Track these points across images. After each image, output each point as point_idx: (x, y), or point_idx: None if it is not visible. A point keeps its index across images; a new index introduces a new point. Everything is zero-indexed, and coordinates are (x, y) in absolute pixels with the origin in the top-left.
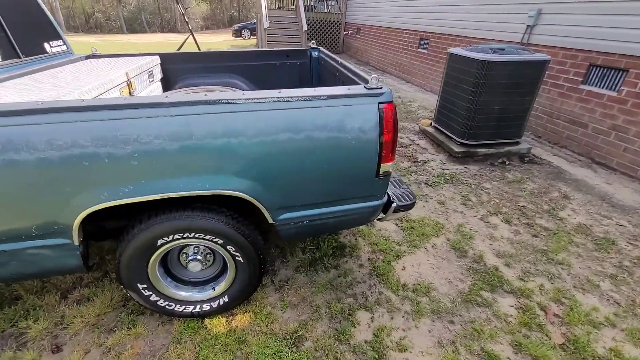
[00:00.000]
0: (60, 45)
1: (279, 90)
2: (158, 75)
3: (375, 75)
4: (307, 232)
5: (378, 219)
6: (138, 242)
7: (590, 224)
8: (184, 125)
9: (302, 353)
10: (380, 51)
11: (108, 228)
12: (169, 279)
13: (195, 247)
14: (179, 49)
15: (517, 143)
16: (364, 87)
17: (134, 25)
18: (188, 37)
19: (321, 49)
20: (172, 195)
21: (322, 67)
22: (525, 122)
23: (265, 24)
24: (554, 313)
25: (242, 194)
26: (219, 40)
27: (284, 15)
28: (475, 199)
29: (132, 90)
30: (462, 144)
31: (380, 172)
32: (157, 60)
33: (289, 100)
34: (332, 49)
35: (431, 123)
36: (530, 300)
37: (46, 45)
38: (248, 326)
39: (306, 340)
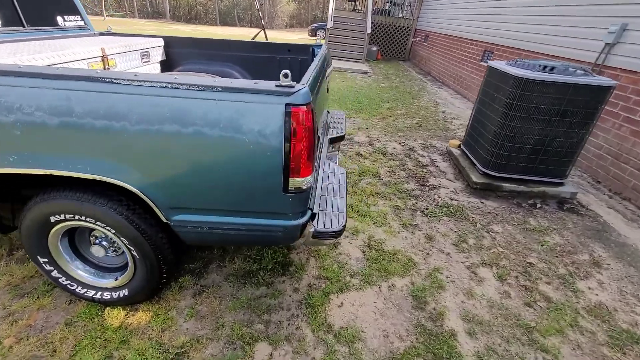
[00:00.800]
0: (77, 20)
1: (174, 75)
2: (158, 57)
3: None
4: (210, 239)
5: (306, 243)
6: (33, 215)
7: (615, 306)
8: (65, 99)
9: None
10: (443, 61)
11: (24, 196)
12: (75, 259)
13: (102, 232)
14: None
15: (560, 184)
16: (274, 83)
17: (226, 19)
18: (260, 32)
19: (326, 47)
20: (54, 172)
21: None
22: (574, 159)
23: (329, 24)
24: None
25: (124, 184)
26: (294, 38)
27: (352, 17)
28: (474, 242)
29: (106, 66)
30: (484, 174)
31: (290, 188)
32: (158, 42)
33: (177, 88)
34: (397, 55)
35: (460, 145)
36: None
37: (59, 18)
38: (141, 327)
39: None
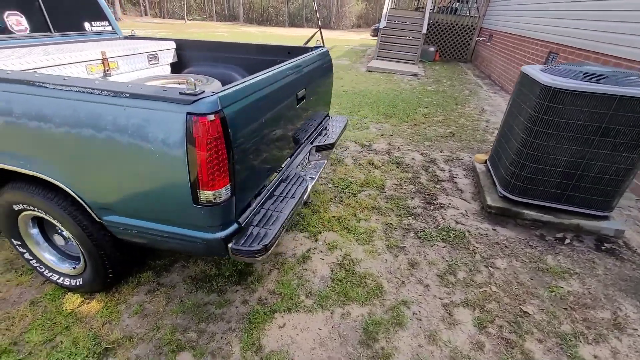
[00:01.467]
0: (105, 25)
1: (94, 80)
2: (168, 59)
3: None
4: (143, 242)
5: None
6: (1, 202)
7: None
8: (6, 101)
9: None
10: (504, 64)
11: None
12: (44, 244)
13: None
14: (306, 43)
15: (602, 217)
16: (180, 90)
17: (295, 21)
18: (316, 32)
19: (327, 50)
20: (4, 167)
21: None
22: (621, 189)
23: (382, 24)
24: None
25: (55, 181)
26: (354, 38)
27: (407, 16)
28: (464, 276)
29: (107, 69)
30: (503, 197)
31: (201, 200)
32: (170, 45)
33: (92, 93)
34: (458, 56)
35: (486, 160)
36: None
37: (86, 24)
38: (88, 316)
39: (112, 357)
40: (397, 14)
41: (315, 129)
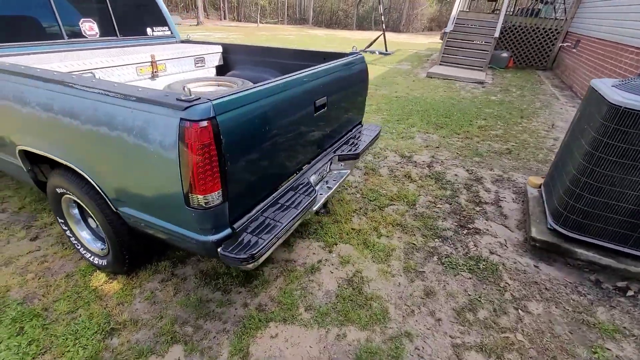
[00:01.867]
0: (165, 30)
1: (114, 83)
2: (214, 62)
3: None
4: (151, 235)
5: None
6: (49, 185)
7: None
8: (49, 98)
9: (94, 346)
10: (590, 73)
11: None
12: (82, 224)
13: None
14: (369, 46)
15: None
16: (177, 96)
17: (363, 23)
18: (379, 36)
19: (362, 56)
20: (46, 154)
21: None
22: None
23: (449, 27)
24: None
25: (82, 172)
26: (422, 42)
27: (479, 18)
28: (485, 316)
29: (155, 71)
30: (552, 231)
31: (193, 204)
32: (217, 49)
33: (107, 94)
34: (537, 63)
35: (541, 185)
36: None
37: (148, 29)
38: (108, 295)
39: (116, 337)
40: (467, 17)
41: (341, 138)
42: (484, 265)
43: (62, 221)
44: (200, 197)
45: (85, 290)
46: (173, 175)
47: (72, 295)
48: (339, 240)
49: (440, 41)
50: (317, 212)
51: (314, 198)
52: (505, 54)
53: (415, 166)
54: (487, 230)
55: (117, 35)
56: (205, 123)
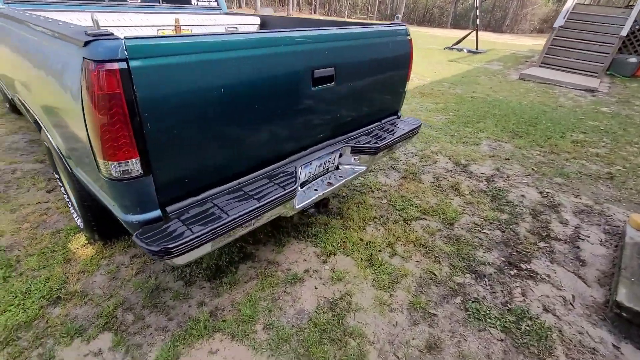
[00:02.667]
0: (211, 1)
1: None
2: None
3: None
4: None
5: None
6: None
7: None
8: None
9: (34, 311)
10: None
11: None
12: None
13: None
14: (457, 43)
15: None
16: (86, 30)
17: (460, 22)
18: (470, 33)
19: (406, 28)
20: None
21: None
22: None
23: (559, 21)
24: None
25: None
26: (526, 43)
27: (602, 13)
28: None
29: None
30: None
31: (102, 171)
32: (254, 20)
33: (28, 25)
34: None
35: None
36: None
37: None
38: (76, 258)
39: (58, 307)
40: (587, 11)
41: (361, 127)
42: (528, 325)
43: (58, 177)
44: (108, 163)
45: (60, 250)
46: (83, 133)
47: (47, 252)
48: (339, 250)
49: None
50: (303, 212)
51: (290, 193)
52: (633, 59)
53: (470, 177)
54: (549, 276)
55: (159, 2)
56: (112, 65)
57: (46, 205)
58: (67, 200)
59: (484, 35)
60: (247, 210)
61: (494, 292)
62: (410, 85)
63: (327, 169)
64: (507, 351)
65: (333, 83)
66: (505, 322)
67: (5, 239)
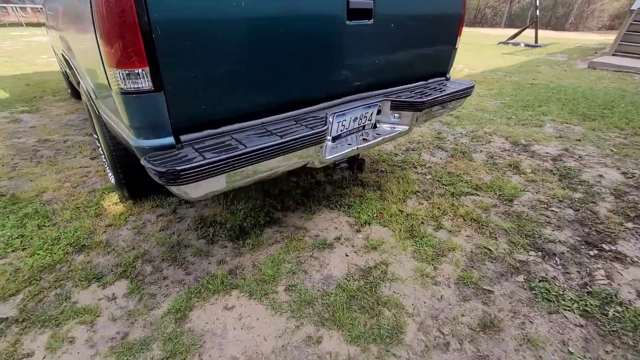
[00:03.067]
0: None
1: None
2: None
3: None
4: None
5: None
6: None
7: None
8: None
9: (59, 256)
10: None
11: None
12: None
13: None
14: (513, 37)
15: None
16: None
17: (515, 21)
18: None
19: None
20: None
21: None
22: None
23: (638, 3)
24: None
25: (71, 63)
26: (594, 39)
27: None
28: None
29: None
30: None
31: (111, 82)
32: None
33: None
34: None
35: None
36: None
37: None
38: (107, 214)
39: (82, 255)
40: None
41: (404, 83)
42: (618, 312)
43: (96, 137)
44: (117, 71)
45: (93, 207)
46: (94, 44)
47: (80, 207)
48: (375, 220)
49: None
50: (335, 165)
51: (317, 135)
52: None
53: (532, 157)
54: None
55: None
56: None
57: (88, 170)
58: (104, 161)
59: (543, 33)
60: (267, 145)
61: (567, 273)
62: (459, 74)
63: (363, 125)
64: (590, 339)
65: (372, 20)
66: (584, 305)
67: (47, 195)
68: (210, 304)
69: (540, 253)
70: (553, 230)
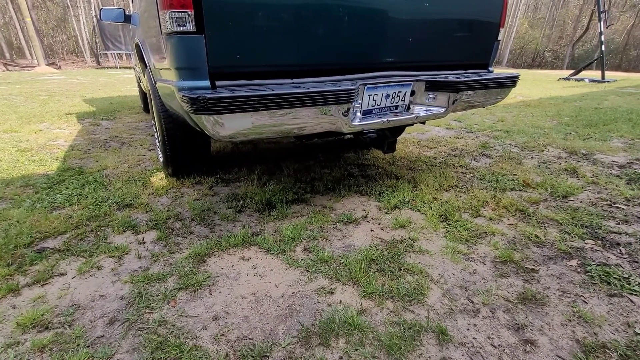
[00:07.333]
0: None
1: None
2: None
3: None
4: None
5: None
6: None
7: None
8: None
9: (103, 209)
10: None
11: None
12: None
13: None
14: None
15: None
16: None
17: (579, 64)
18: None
19: None
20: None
21: None
22: None
23: None
24: None
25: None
26: None
27: None
28: None
29: None
30: None
31: (164, 28)
32: None
33: None
34: None
35: None
36: None
37: None
38: (152, 186)
39: (124, 210)
40: None
41: (441, 68)
42: None
43: (153, 122)
44: (166, 12)
45: (142, 180)
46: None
47: (131, 180)
48: (406, 206)
49: None
50: (363, 135)
51: (345, 93)
52: None
53: (594, 164)
54: None
55: None
56: None
57: (144, 157)
58: (157, 144)
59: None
60: (294, 92)
61: (636, 262)
62: (513, 100)
63: (396, 105)
64: None
65: None
66: None
67: (107, 171)
68: (229, 254)
69: (600, 242)
70: (618, 224)
